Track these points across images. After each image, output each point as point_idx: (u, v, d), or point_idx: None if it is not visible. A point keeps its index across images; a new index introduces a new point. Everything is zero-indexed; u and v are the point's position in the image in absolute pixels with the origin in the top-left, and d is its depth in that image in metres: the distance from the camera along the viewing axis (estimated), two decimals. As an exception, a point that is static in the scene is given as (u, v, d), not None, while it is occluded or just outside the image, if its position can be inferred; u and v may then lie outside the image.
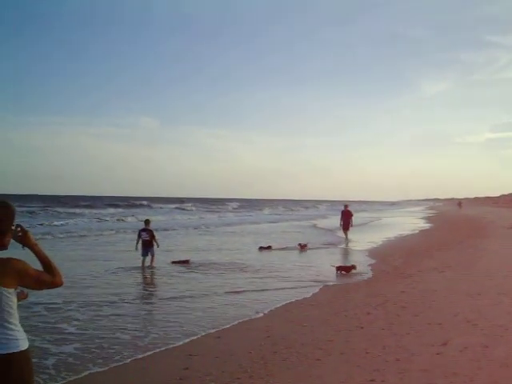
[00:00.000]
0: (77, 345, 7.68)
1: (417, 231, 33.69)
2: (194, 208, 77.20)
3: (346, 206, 27.17)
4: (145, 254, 16.15)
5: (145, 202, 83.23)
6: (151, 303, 11.30)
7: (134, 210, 61.88)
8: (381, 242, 25.09)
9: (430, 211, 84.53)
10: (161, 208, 74.14)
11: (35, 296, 9.42)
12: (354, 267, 15.04)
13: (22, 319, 3.37)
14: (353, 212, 27.33)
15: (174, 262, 16.82)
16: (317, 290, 12.36)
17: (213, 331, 8.47)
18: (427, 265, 16.08)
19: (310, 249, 21.54)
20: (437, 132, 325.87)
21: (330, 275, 14.60)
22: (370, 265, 16.68)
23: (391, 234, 30.82)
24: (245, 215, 63.86)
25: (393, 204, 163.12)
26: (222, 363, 6.68)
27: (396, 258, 18.57)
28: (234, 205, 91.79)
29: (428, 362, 6.38)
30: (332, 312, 9.70)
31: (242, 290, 12.27)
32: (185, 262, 16.74)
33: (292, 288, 12.57)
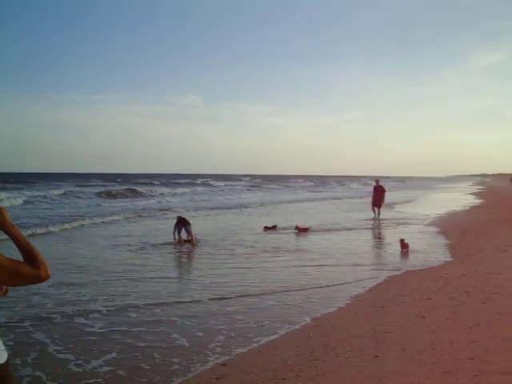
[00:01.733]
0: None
1: (468, 207, 31.95)
2: (265, 185, 76.69)
3: (377, 182, 25.54)
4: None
5: (209, 180, 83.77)
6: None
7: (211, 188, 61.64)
8: (431, 219, 23.74)
9: (480, 187, 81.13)
10: (233, 186, 71.81)
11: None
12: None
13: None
14: (385, 188, 25.58)
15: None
16: (366, 272, 11.41)
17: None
18: (486, 244, 14.78)
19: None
20: (487, 105, 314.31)
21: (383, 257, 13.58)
22: (425, 243, 15.51)
23: (441, 209, 29.31)
24: (331, 191, 64.07)
25: (441, 179, 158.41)
26: (264, 359, 5.86)
27: (450, 236, 17.33)
28: (303, 182, 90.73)
29: (508, 362, 5.38)
30: (387, 297, 8.70)
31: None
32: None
33: (337, 270, 11.64)
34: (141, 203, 34.73)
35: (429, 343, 6.16)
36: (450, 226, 20.37)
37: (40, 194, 39.46)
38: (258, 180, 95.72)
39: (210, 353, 6.14)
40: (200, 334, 6.93)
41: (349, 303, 8.40)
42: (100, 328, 7.20)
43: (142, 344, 6.47)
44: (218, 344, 6.46)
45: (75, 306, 8.34)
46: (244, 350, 6.16)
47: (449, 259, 12.57)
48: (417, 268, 11.51)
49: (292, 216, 25.93)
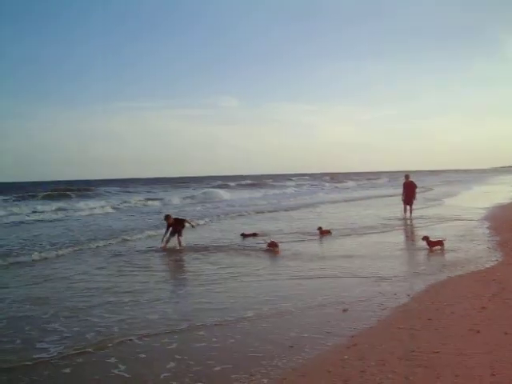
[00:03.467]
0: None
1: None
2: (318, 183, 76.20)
3: (407, 177, 23.43)
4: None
5: (271, 180, 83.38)
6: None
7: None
8: (475, 214, 22.27)
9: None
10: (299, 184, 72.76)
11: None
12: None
13: None
14: (416, 183, 23.51)
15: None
16: (408, 277, 10.35)
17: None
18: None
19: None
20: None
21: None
22: (471, 241, 14.27)
23: (487, 203, 27.67)
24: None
25: (483, 172, 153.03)
26: (290, 390, 4.97)
27: (499, 231, 16.02)
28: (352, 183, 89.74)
29: None
30: (434, 307, 7.65)
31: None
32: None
33: (375, 275, 10.60)
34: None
35: (487, 366, 5.15)
36: (499, 221, 18.98)
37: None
38: (306, 177, 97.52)
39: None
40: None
41: (390, 315, 7.39)
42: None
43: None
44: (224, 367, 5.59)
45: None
46: (265, 381, 5.25)
47: (500, 259, 11.38)
48: (464, 270, 10.38)
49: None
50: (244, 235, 17.37)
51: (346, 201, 37.11)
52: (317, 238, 16.65)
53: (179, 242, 15.62)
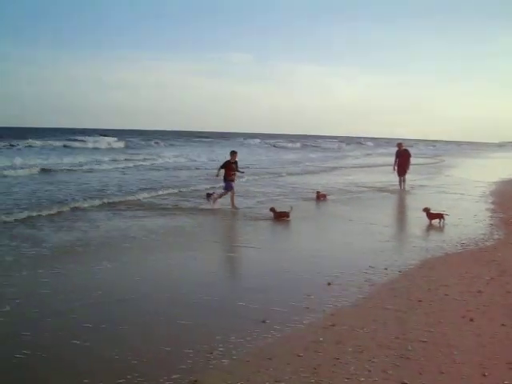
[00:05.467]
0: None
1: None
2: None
3: (399, 145, 21.08)
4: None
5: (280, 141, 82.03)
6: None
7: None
8: (479, 187, 21.45)
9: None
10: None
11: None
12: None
13: None
14: (411, 152, 21.18)
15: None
16: (401, 251, 9.73)
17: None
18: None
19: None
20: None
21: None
22: (473, 216, 13.55)
23: (493, 177, 26.75)
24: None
25: (500, 146, 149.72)
26: (250, 375, 4.35)
27: (504, 207, 15.29)
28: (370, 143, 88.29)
29: None
30: (426, 287, 6.99)
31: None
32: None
33: (363, 247, 9.97)
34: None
35: (478, 364, 4.52)
36: (504, 197, 18.21)
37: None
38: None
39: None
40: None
41: (377, 293, 6.74)
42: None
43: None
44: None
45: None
46: (225, 361, 4.63)
47: (503, 237, 10.68)
48: (464, 247, 9.71)
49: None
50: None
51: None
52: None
53: (232, 202, 14.41)
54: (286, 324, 5.52)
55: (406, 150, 20.98)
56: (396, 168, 20.65)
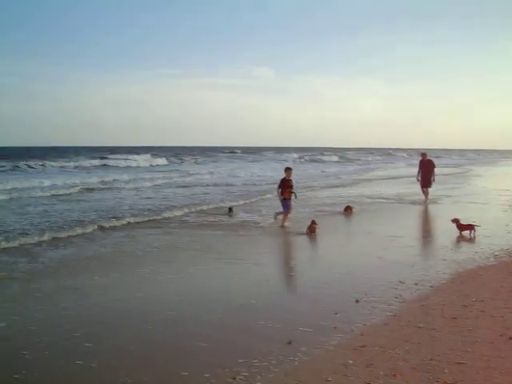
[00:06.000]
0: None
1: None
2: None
3: (423, 155, 20.51)
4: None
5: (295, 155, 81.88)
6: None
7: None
8: (509, 195, 20.90)
9: None
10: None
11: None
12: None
13: None
14: (435, 163, 20.46)
15: None
16: (429, 265, 9.35)
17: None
18: None
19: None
20: None
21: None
22: (505, 226, 13.06)
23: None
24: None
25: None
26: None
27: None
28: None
29: None
30: (461, 303, 6.64)
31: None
32: None
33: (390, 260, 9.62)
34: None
35: (523, 389, 4.18)
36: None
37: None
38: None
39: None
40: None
41: (408, 310, 6.41)
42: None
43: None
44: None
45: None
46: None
47: (538, 248, 10.23)
48: (497, 259, 9.30)
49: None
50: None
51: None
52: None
53: (283, 218, 13.67)
54: (313, 345, 5.24)
55: (430, 161, 20.37)
56: (419, 179, 20.11)
